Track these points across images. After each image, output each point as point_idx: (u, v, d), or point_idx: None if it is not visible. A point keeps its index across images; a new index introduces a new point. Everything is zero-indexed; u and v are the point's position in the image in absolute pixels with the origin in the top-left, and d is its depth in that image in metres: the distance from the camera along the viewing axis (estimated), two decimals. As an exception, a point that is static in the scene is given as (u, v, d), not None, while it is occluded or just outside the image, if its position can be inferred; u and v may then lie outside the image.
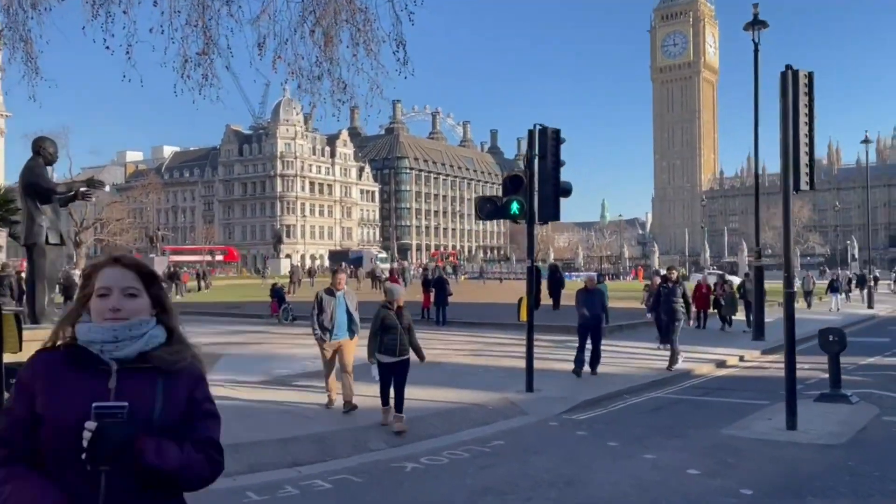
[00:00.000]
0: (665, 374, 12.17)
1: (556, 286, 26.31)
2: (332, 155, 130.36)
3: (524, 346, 15.82)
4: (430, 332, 19.56)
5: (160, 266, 63.37)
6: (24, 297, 11.46)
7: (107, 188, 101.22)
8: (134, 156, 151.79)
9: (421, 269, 46.46)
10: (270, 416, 8.74)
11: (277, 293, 22.97)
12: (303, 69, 13.07)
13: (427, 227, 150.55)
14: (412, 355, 8.24)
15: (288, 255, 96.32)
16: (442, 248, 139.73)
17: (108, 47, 11.61)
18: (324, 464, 6.85)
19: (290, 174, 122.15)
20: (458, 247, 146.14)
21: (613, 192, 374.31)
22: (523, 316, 10.18)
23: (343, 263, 53.81)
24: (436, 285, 21.40)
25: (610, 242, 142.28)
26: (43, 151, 11.09)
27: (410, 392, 10.06)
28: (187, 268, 54.54)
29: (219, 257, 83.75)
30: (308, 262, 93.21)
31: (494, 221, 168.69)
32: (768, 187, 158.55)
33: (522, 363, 13.43)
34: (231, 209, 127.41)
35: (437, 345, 16.65)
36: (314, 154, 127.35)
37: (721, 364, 14.06)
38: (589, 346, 12.00)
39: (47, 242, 10.95)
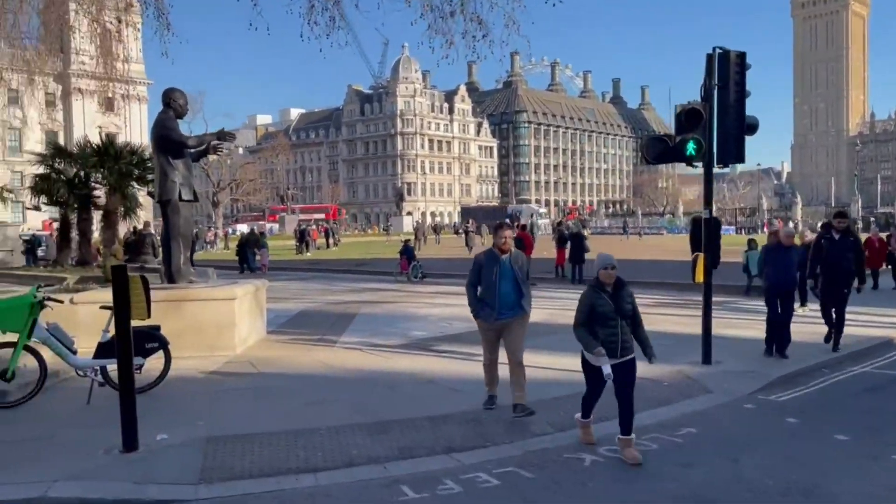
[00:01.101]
0: (862, 342, 10.26)
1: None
2: (451, 111, 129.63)
3: (685, 309, 14.27)
4: (565, 291, 18.28)
5: (291, 224, 65.58)
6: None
7: (240, 150, 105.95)
8: (263, 119, 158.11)
9: (555, 224, 44.87)
10: (415, 388, 7.86)
11: (408, 251, 22.40)
12: (434, 5, 11.87)
13: (546, 183, 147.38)
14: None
15: (409, 213, 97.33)
16: (562, 203, 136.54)
17: (232, -7, 10.97)
18: (483, 451, 5.84)
19: (409, 132, 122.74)
20: (578, 201, 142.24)
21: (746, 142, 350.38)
22: (699, 276, 8.68)
23: (470, 220, 53.14)
24: (573, 241, 19.97)
25: (744, 194, 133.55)
26: (173, 103, 10.61)
27: (562, 362, 8.96)
28: (315, 224, 55.79)
29: (319, 216, 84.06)
30: (429, 219, 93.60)
31: (616, 173, 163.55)
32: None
33: (685, 328, 11.95)
34: (354, 168, 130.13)
35: (580, 305, 15.35)
36: (433, 111, 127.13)
37: (928, 331, 11.86)
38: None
39: (181, 199, 10.57)
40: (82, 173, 15.85)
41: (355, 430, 6.22)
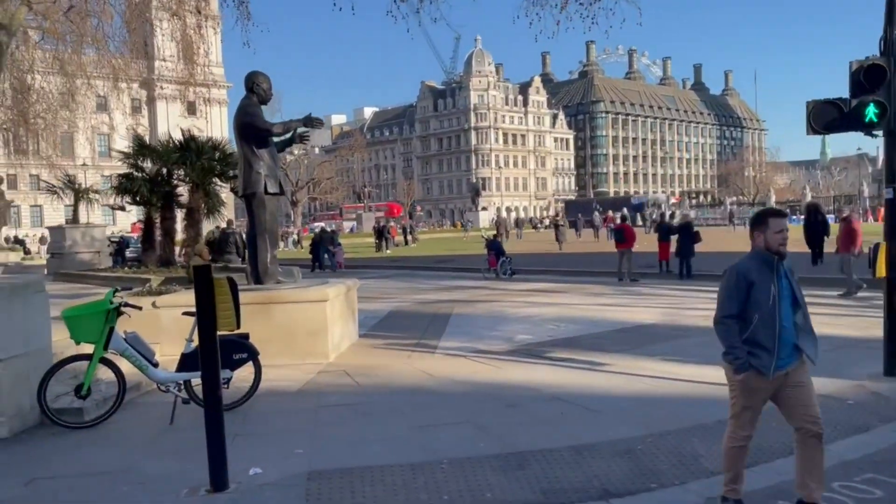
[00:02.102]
0: None
1: (818, 232, 19.57)
2: (525, 104, 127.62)
3: (821, 307, 12.47)
4: (673, 288, 16.73)
5: (368, 222, 65.46)
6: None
7: (316, 149, 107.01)
8: (338, 118, 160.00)
9: (656, 215, 42.57)
10: (541, 406, 6.64)
11: (496, 246, 21.20)
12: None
13: (625, 174, 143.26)
14: None
15: (484, 208, 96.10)
16: (641, 194, 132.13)
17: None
18: (649, 495, 4.59)
19: (483, 126, 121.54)
20: (659, 193, 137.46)
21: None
22: (881, 270, 7.10)
23: (559, 212, 51.63)
24: (682, 232, 18.25)
25: (839, 181, 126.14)
26: (256, 88, 9.71)
27: (707, 374, 7.61)
28: (395, 222, 55.36)
29: (379, 213, 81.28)
30: (503, 214, 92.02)
31: (699, 162, 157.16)
32: None
33: (835, 329, 10.30)
34: (428, 164, 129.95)
35: (696, 303, 13.82)
36: (507, 104, 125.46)
37: None
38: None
39: (266, 192, 9.71)
40: (164, 170, 15.39)
41: (484, 464, 5.06)
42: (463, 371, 8.22)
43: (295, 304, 8.87)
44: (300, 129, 9.52)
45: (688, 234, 17.87)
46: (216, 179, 15.88)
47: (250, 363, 6.71)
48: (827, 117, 7.15)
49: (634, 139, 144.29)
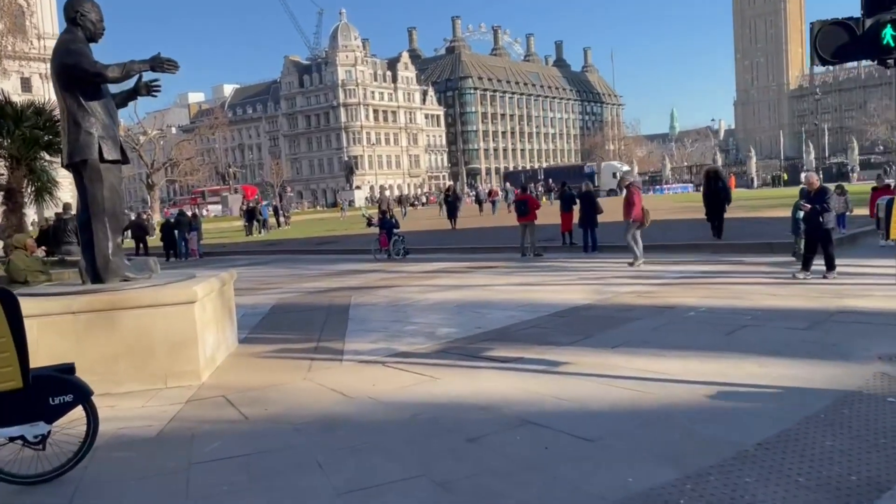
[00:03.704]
0: None
1: (719, 200, 17.16)
2: (394, 80, 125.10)
3: (750, 276, 11.43)
4: (584, 262, 15.55)
5: (235, 204, 61.34)
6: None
7: (174, 129, 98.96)
8: (196, 97, 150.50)
9: (556, 186, 41.57)
10: (512, 437, 4.79)
11: (387, 224, 19.21)
12: None
13: (495, 150, 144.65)
14: None
15: (358, 187, 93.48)
16: (504, 170, 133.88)
17: None
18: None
19: (352, 103, 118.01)
20: (527, 167, 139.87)
21: (681, 102, 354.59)
22: (895, 232, 5.86)
23: (449, 187, 50.28)
24: (583, 202, 17.07)
25: (691, 152, 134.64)
26: (82, 19, 7.06)
27: (689, 367, 6.18)
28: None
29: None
30: (379, 192, 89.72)
31: (564, 137, 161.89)
32: (878, 78, 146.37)
33: (792, 301, 9.23)
34: (297, 143, 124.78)
35: (618, 277, 12.58)
36: (376, 80, 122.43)
37: None
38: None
39: (102, 159, 7.25)
40: (-28, 144, 12.14)
41: (471, 563, 3.19)
42: (387, 386, 6.26)
43: (151, 309, 6.53)
44: (147, 77, 7.07)
45: (591, 203, 16.68)
46: (44, 153, 12.75)
47: (80, 408, 4.44)
48: (836, 42, 5.76)
49: (503, 115, 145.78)
